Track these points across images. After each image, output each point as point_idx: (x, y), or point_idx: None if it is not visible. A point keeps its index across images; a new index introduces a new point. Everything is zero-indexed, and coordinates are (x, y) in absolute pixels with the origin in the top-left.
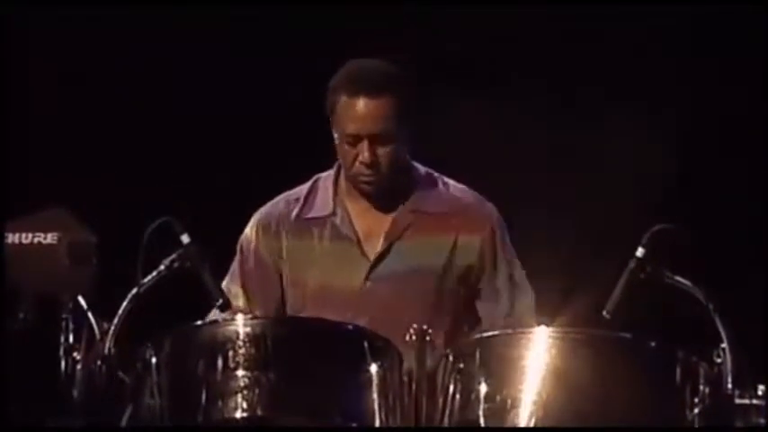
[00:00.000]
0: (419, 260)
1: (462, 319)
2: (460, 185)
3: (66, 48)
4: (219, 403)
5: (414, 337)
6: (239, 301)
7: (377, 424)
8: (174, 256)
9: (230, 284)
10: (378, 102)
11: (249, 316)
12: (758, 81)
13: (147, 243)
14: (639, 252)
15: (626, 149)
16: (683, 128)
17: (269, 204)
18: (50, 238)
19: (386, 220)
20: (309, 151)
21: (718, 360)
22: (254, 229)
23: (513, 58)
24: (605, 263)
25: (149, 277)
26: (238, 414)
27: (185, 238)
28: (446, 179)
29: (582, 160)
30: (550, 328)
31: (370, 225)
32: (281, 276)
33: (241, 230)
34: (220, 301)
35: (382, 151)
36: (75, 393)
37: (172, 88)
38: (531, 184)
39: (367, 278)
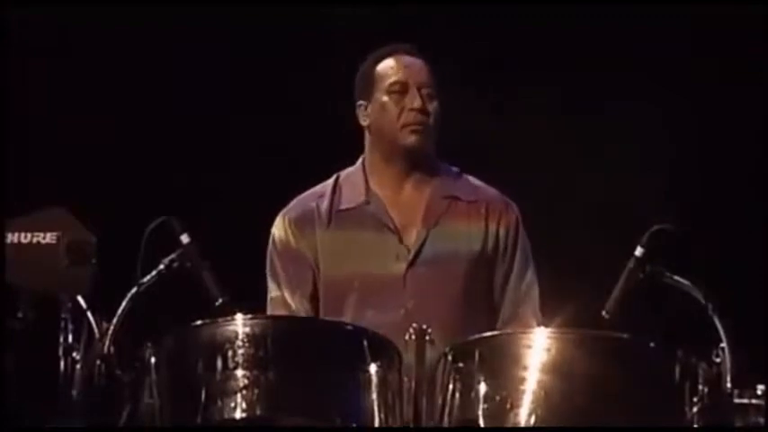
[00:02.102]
0: (456, 246)
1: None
2: (479, 181)
3: (65, 48)
4: (219, 403)
5: (414, 337)
6: (300, 306)
7: (376, 424)
8: (173, 255)
9: (286, 293)
10: (420, 60)
11: (249, 316)
12: (759, 80)
13: (147, 243)
14: (639, 252)
15: (627, 149)
16: (683, 127)
17: (294, 203)
18: (50, 237)
19: (419, 207)
20: (310, 151)
21: (718, 360)
22: (288, 227)
23: (515, 57)
24: (605, 263)
25: (149, 277)
26: (238, 414)
27: (185, 238)
28: (466, 174)
29: (582, 160)
30: (549, 329)
31: (405, 212)
32: (313, 273)
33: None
34: (220, 300)
35: (429, 105)
36: (74, 393)
37: (172, 88)
38: (530, 184)
39: (409, 266)
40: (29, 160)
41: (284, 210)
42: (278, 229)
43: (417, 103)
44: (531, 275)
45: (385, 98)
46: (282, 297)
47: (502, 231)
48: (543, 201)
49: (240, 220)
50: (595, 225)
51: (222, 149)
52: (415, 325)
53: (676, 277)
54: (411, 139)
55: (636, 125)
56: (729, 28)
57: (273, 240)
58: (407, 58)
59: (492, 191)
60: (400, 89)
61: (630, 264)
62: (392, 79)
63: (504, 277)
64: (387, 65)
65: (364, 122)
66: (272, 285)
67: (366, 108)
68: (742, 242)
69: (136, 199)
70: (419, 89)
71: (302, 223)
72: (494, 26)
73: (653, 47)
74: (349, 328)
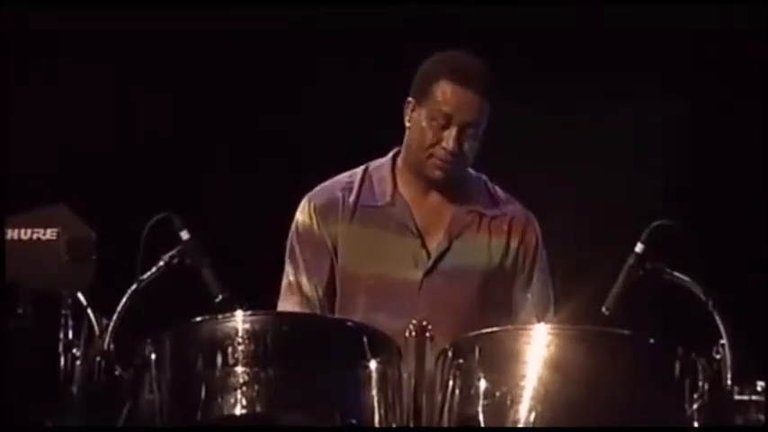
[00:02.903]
0: (475, 260)
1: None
2: (504, 192)
3: (64, 46)
4: (219, 400)
5: (414, 333)
6: (314, 293)
7: (376, 420)
8: (173, 252)
9: (302, 279)
10: (476, 96)
11: (249, 312)
12: (759, 79)
13: (147, 239)
14: (639, 248)
15: (626, 146)
16: (683, 124)
17: (321, 188)
18: (50, 234)
19: (443, 216)
20: (310, 149)
21: (718, 356)
22: (312, 213)
23: (514, 57)
24: (605, 259)
25: (149, 273)
26: (237, 410)
27: (185, 234)
28: (492, 184)
29: (582, 156)
30: (549, 325)
31: (429, 219)
32: (332, 262)
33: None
34: (220, 297)
35: (467, 143)
36: (74, 389)
37: (171, 85)
38: (530, 180)
39: (428, 273)
40: (29, 157)
41: (310, 194)
42: (302, 213)
43: (451, 145)
44: (549, 293)
45: (425, 123)
46: (298, 282)
47: (522, 247)
48: (543, 197)
49: (240, 216)
50: (595, 221)
51: (223, 146)
52: (414, 321)
53: (676, 273)
54: (435, 173)
55: (636, 122)
56: (729, 28)
57: (296, 224)
58: (464, 91)
59: (516, 205)
60: (443, 123)
61: (630, 260)
62: (439, 109)
63: (522, 292)
64: (442, 89)
65: (407, 123)
66: (289, 269)
67: (412, 110)
68: (742, 238)
69: (135, 195)
70: (460, 129)
71: (326, 211)
72: (493, 26)
73: (653, 46)
74: (349, 324)
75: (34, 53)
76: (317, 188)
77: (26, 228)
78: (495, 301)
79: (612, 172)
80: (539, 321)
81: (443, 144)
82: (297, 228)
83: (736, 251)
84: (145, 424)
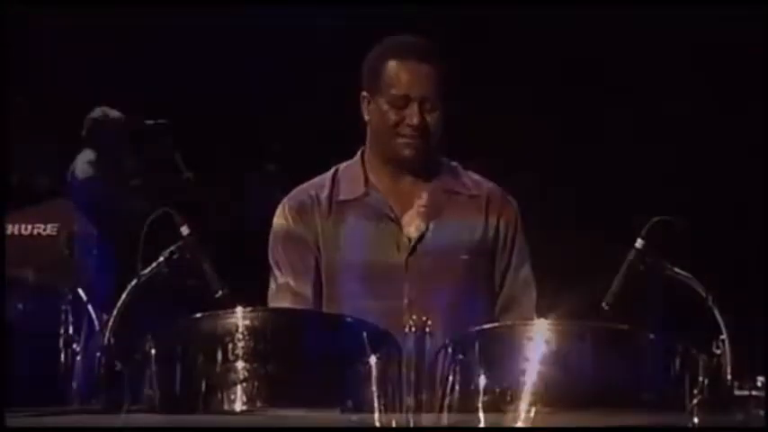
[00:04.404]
0: (457, 238)
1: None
2: (478, 175)
3: (64, 46)
4: (219, 395)
5: (414, 329)
6: (303, 290)
7: (376, 416)
8: (173, 247)
9: (290, 280)
10: (428, 66)
11: (249, 308)
12: (759, 79)
13: (147, 234)
14: (639, 244)
15: (627, 142)
16: (683, 120)
17: (294, 193)
18: (50, 229)
19: (419, 199)
20: (308, 146)
21: (718, 351)
22: (288, 214)
23: (517, 55)
24: (605, 255)
25: (149, 269)
26: (238, 406)
27: (185, 230)
28: (464, 169)
29: (582, 152)
30: (549, 320)
31: (405, 203)
32: (316, 258)
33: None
34: (220, 292)
35: (429, 117)
36: (74, 385)
37: (171, 85)
38: (531, 180)
39: (410, 256)
40: (29, 157)
41: (284, 199)
42: (278, 217)
43: (415, 119)
44: (526, 271)
45: (385, 106)
46: (287, 283)
47: (502, 225)
48: (544, 192)
49: (239, 213)
50: (596, 217)
51: (223, 143)
52: (414, 317)
53: (676, 269)
54: (406, 152)
55: (636, 117)
56: (729, 28)
57: (274, 228)
58: (414, 65)
59: (492, 185)
60: (401, 103)
61: (631, 255)
62: (394, 91)
63: (503, 271)
64: (393, 70)
65: (366, 117)
66: (276, 273)
67: (369, 103)
68: (741, 234)
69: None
70: (421, 103)
71: (302, 210)
72: (493, 26)
73: (653, 46)
74: (349, 320)
75: (34, 53)
76: (290, 193)
77: (26, 223)
78: (482, 276)
79: (614, 167)
80: (518, 302)
81: (407, 121)
82: (275, 233)
83: (736, 247)
84: (145, 420)
